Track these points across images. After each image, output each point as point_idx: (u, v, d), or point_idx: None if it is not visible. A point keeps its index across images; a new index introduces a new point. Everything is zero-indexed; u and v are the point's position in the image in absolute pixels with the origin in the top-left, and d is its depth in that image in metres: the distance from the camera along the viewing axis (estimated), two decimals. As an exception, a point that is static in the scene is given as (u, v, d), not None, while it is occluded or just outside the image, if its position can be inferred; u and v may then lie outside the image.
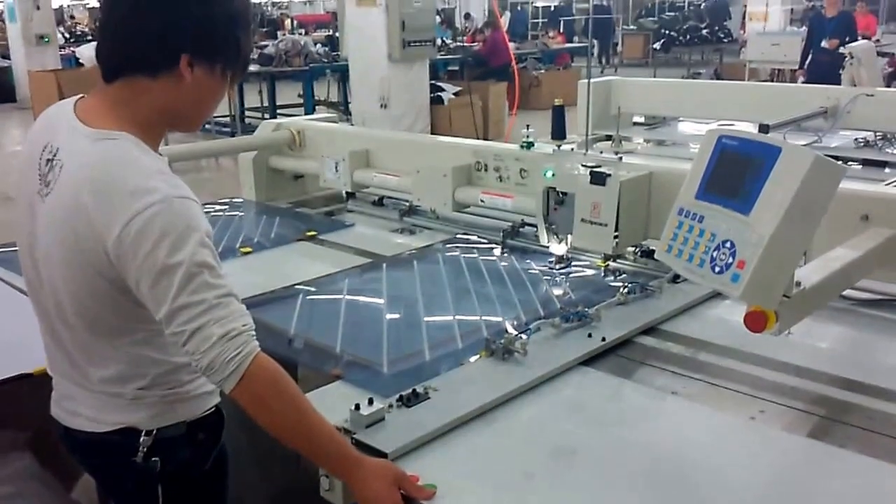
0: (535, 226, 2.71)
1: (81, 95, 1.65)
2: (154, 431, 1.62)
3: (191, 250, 1.44)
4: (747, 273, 1.48)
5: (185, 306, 1.43)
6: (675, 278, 2.37)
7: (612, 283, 2.44)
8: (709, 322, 2.21)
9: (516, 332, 2.01)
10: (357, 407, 1.63)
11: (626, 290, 2.29)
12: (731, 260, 1.51)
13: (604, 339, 2.02)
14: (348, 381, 1.87)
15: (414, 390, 1.75)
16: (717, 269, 1.54)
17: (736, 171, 1.57)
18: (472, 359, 1.96)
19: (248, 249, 2.96)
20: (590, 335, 2.04)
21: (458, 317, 2.28)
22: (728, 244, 1.53)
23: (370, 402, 1.65)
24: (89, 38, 19.73)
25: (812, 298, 1.65)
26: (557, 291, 2.43)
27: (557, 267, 2.60)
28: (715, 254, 1.55)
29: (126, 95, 1.56)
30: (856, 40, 9.61)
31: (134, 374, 1.60)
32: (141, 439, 1.62)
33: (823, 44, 9.55)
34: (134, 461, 1.62)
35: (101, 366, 1.61)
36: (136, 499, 1.70)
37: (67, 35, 20.62)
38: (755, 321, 1.52)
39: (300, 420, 1.48)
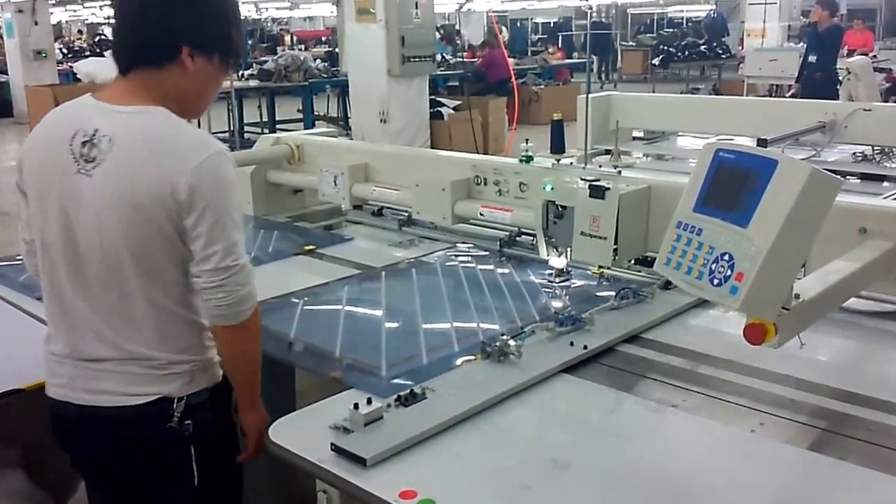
0: (532, 235, 2.72)
1: (89, 94, 1.85)
2: (184, 398, 1.81)
3: (239, 199, 1.81)
4: (746, 285, 1.48)
5: (238, 242, 1.77)
6: (667, 285, 2.39)
7: (604, 294, 2.46)
8: (700, 327, 2.26)
9: (511, 335, 2.04)
10: (356, 406, 1.67)
11: (619, 295, 2.33)
12: (729, 272, 1.52)
13: (585, 347, 2.05)
14: (348, 383, 1.93)
15: (412, 390, 1.79)
16: (715, 281, 1.54)
17: (733, 185, 1.58)
18: (466, 360, 2.02)
19: (247, 263, 2.95)
20: (571, 343, 2.07)
21: (455, 324, 2.31)
22: (726, 257, 1.54)
23: (369, 401, 1.70)
24: (87, 53, 19.81)
25: (811, 310, 1.65)
26: (555, 303, 2.44)
27: (557, 280, 2.60)
28: (714, 266, 1.55)
29: (141, 84, 1.79)
30: (836, 54, 9.65)
31: (170, 335, 1.80)
32: (174, 406, 1.79)
33: (811, 59, 9.59)
34: (169, 426, 1.79)
35: (140, 330, 1.78)
36: (170, 462, 1.84)
37: (65, 51, 20.68)
38: (754, 333, 1.53)
39: (259, 354, 1.89)
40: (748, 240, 1.50)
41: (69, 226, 1.77)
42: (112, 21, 1.90)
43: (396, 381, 1.92)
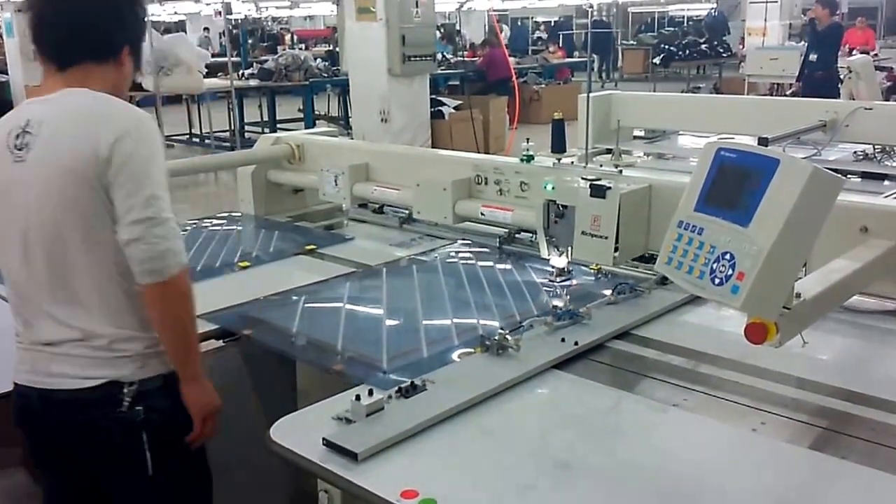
0: (531, 232, 2.75)
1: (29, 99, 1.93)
2: (136, 384, 1.81)
3: (162, 158, 1.81)
4: (747, 285, 1.48)
5: (160, 198, 1.76)
6: (663, 280, 2.42)
7: (603, 292, 2.47)
8: (697, 324, 2.29)
9: (509, 329, 2.08)
10: (358, 397, 1.71)
11: (616, 290, 2.38)
12: (730, 272, 1.52)
13: (576, 343, 2.07)
14: (349, 376, 1.98)
15: (412, 382, 1.84)
16: (717, 280, 1.54)
17: (735, 184, 1.58)
18: (465, 352, 2.07)
19: (247, 264, 2.95)
20: (563, 340, 2.08)
21: (455, 320, 2.34)
22: (727, 256, 1.53)
23: (370, 393, 1.74)
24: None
25: (812, 310, 1.65)
26: (555, 301, 2.44)
27: (558, 280, 2.59)
28: (715, 266, 1.55)
29: (78, 78, 1.84)
30: (836, 52, 9.64)
31: (115, 309, 1.81)
32: (125, 390, 1.80)
33: (811, 57, 9.59)
34: (120, 411, 1.80)
35: (87, 305, 1.80)
36: (122, 448, 1.84)
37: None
38: (755, 332, 1.52)
39: (193, 319, 1.87)
40: (749, 239, 1.50)
41: (13, 213, 1.82)
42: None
43: (393, 375, 1.95)
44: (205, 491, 2.02)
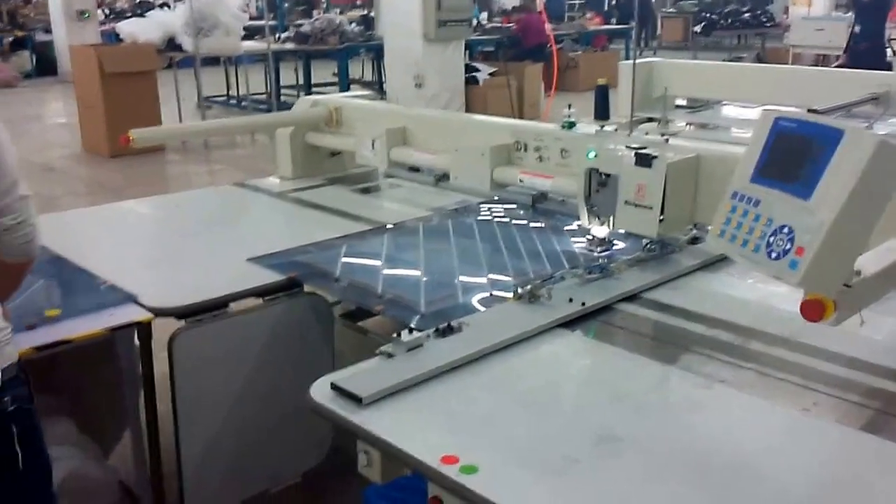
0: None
1: None
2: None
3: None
4: (807, 260, 1.42)
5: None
6: (693, 240, 2.52)
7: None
8: (716, 281, 2.36)
9: (542, 280, 2.18)
10: (398, 335, 1.81)
11: (646, 248, 2.45)
12: (788, 246, 1.46)
13: (583, 304, 2.11)
14: (390, 317, 2.19)
15: (449, 324, 1.93)
16: (773, 254, 1.48)
17: (794, 155, 1.52)
18: (496, 295, 2.22)
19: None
20: (570, 300, 2.11)
21: (490, 276, 2.45)
22: (786, 229, 1.48)
23: (410, 331, 1.84)
24: (128, 14, 19.86)
25: (872, 288, 1.59)
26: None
27: (598, 249, 2.54)
28: (772, 239, 1.50)
29: None
30: (882, 24, 9.35)
31: None
32: None
33: (856, 29, 9.34)
34: None
35: None
36: None
37: (107, 11, 20.77)
38: (812, 310, 1.47)
39: None
40: (810, 212, 1.44)
41: None
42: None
43: (434, 316, 2.06)
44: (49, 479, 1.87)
